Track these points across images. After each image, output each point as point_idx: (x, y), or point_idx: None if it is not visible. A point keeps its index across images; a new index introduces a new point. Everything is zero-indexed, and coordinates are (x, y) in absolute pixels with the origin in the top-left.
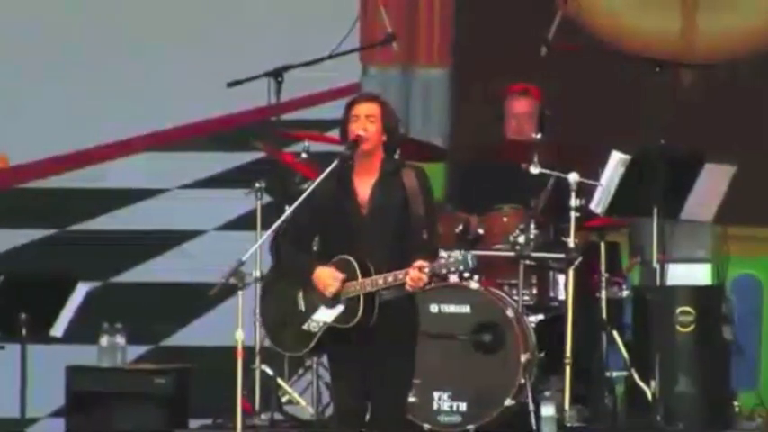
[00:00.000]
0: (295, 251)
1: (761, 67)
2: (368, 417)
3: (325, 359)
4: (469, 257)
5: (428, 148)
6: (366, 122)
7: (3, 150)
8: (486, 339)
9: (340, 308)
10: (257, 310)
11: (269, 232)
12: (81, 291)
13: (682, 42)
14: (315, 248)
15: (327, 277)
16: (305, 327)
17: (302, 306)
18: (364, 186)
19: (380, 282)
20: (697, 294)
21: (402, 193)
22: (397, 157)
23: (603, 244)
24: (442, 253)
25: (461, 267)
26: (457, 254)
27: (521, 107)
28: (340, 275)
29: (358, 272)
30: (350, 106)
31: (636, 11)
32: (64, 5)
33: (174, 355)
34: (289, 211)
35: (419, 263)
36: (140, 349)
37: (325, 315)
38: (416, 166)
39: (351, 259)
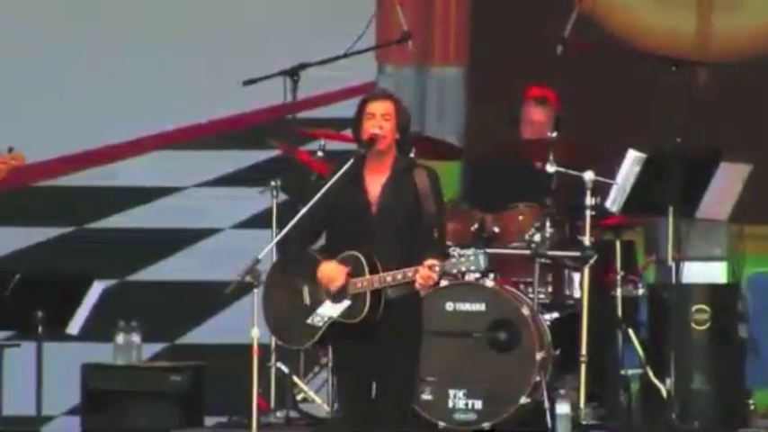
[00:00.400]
0: (301, 246)
1: None
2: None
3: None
4: (481, 258)
5: (443, 146)
6: (381, 120)
7: (18, 149)
8: (501, 337)
9: (346, 303)
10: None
11: (284, 230)
12: (97, 289)
13: (697, 41)
14: (320, 244)
15: (332, 272)
16: (309, 321)
17: (307, 300)
18: (375, 184)
19: (389, 279)
20: (712, 292)
21: (413, 191)
22: (412, 155)
23: (619, 242)
24: (454, 252)
25: (472, 267)
26: (469, 253)
27: (538, 116)
28: (345, 270)
29: (366, 268)
30: (364, 104)
31: (651, 9)
32: (79, 3)
33: (189, 353)
34: (304, 209)
35: (430, 261)
36: (156, 347)
37: (330, 310)
38: (428, 167)
39: (359, 255)
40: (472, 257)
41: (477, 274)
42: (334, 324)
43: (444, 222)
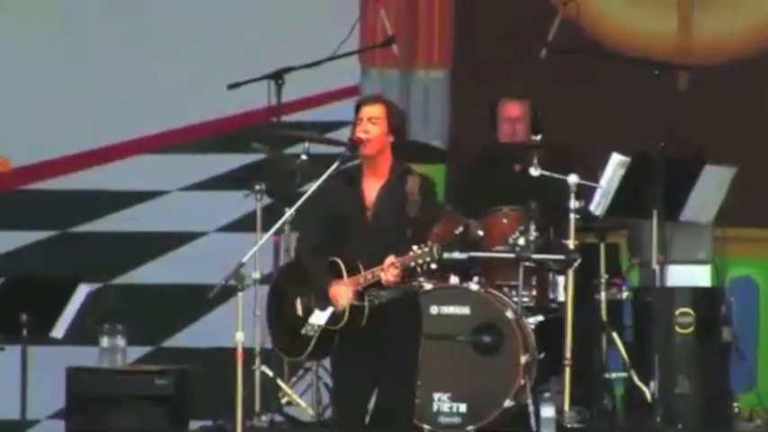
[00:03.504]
0: (316, 259)
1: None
2: (368, 419)
3: (324, 361)
4: (435, 249)
5: (428, 150)
6: (368, 124)
7: (3, 153)
8: (485, 341)
9: (330, 310)
10: (257, 312)
11: (269, 234)
12: (82, 292)
13: (678, 44)
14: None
15: (342, 291)
16: (303, 332)
17: (299, 311)
18: (371, 190)
19: (361, 280)
20: (696, 296)
21: (402, 198)
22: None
23: (603, 245)
24: (414, 247)
25: (428, 259)
26: (425, 247)
27: (512, 111)
28: (349, 292)
29: (344, 273)
30: (356, 108)
31: (632, 13)
32: (63, 8)
33: (174, 357)
34: (290, 211)
35: (389, 259)
36: (141, 350)
37: (318, 318)
38: (422, 174)
39: (338, 261)
40: (427, 249)
41: (458, 278)
42: (325, 332)
43: (424, 227)
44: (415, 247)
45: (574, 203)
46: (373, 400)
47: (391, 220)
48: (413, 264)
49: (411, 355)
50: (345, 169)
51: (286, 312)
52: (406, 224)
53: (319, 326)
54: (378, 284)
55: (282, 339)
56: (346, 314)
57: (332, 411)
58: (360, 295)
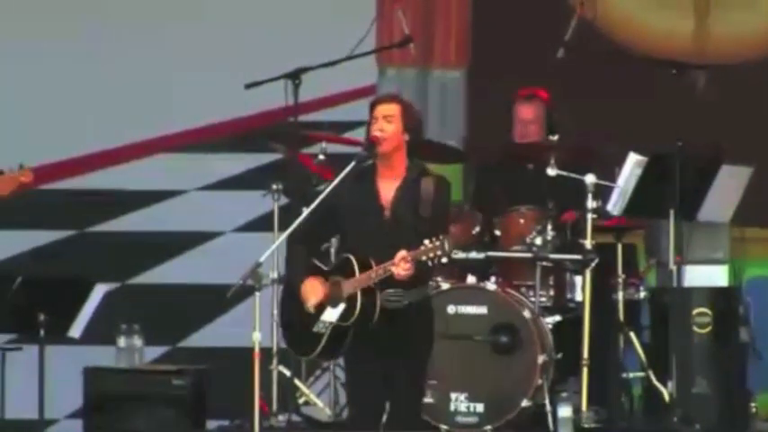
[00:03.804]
0: (299, 254)
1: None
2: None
3: (341, 361)
4: (446, 243)
5: (445, 149)
6: (383, 123)
7: (21, 152)
8: (503, 340)
9: (342, 306)
10: (275, 312)
11: (286, 234)
12: (99, 292)
13: (695, 44)
14: (332, 249)
15: (309, 291)
16: (315, 329)
17: (311, 308)
18: (388, 189)
19: (372, 275)
20: (714, 296)
21: (418, 198)
22: None
23: (620, 245)
24: (425, 242)
25: (439, 253)
26: (436, 240)
27: (525, 113)
28: (321, 290)
29: (356, 269)
30: (371, 107)
31: (650, 13)
32: (82, 7)
33: (191, 357)
34: (306, 212)
35: (401, 254)
36: (158, 350)
37: (330, 315)
38: (438, 175)
39: (350, 257)
40: (438, 243)
41: (475, 277)
42: (337, 329)
43: (437, 225)
44: (426, 242)
45: (591, 203)
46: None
47: (409, 221)
48: (424, 257)
49: (421, 357)
50: (359, 168)
51: (298, 310)
52: (418, 225)
53: (330, 323)
54: (390, 280)
55: (294, 337)
56: (357, 310)
57: (347, 411)
58: (371, 293)
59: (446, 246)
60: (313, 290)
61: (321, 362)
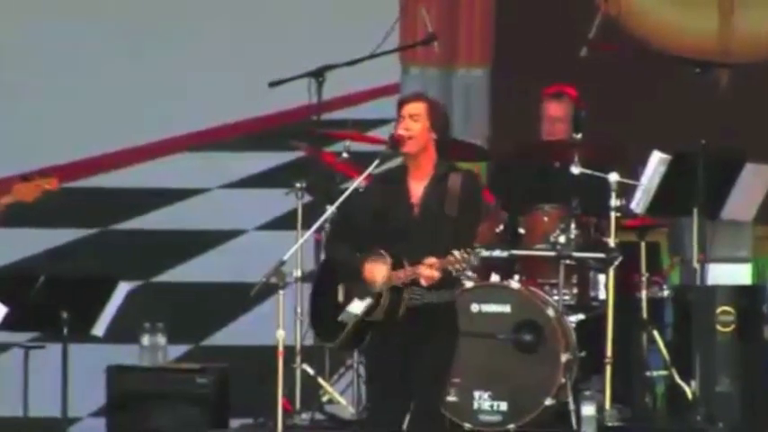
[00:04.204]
0: (345, 247)
1: None
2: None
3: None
4: (474, 257)
5: (469, 148)
6: (409, 122)
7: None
8: (526, 339)
9: (368, 301)
10: (298, 310)
11: (310, 232)
12: (122, 290)
13: (719, 42)
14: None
15: (377, 269)
16: (340, 318)
17: (341, 297)
18: (418, 188)
19: (401, 276)
20: (737, 294)
21: (445, 196)
22: None
23: (644, 244)
24: (455, 252)
25: (465, 266)
26: (465, 253)
27: (554, 111)
28: (384, 269)
29: (389, 266)
30: (398, 106)
31: (673, 11)
32: (104, 5)
33: (214, 355)
34: (330, 209)
35: (430, 260)
36: (181, 349)
37: (356, 307)
38: (467, 171)
39: (384, 253)
40: (467, 256)
41: (498, 276)
42: (363, 323)
43: (469, 224)
44: (456, 252)
45: (615, 201)
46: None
47: (438, 219)
48: (450, 267)
49: (444, 357)
50: (391, 169)
51: (330, 298)
52: (448, 223)
53: (356, 315)
54: (416, 283)
55: (321, 324)
56: (383, 307)
57: (367, 408)
58: (398, 291)
59: (473, 259)
60: (377, 269)
61: (344, 352)
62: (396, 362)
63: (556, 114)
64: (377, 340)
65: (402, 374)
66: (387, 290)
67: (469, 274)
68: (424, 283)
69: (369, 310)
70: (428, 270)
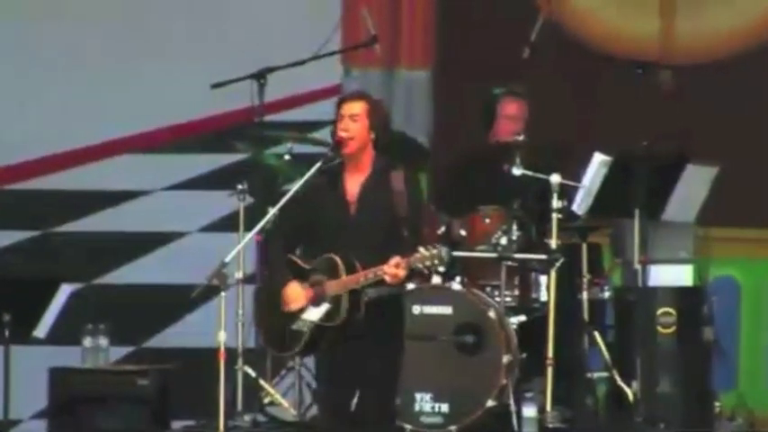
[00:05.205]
0: (281, 255)
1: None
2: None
3: (307, 360)
4: (444, 252)
5: (411, 148)
6: (349, 122)
7: None
8: (468, 340)
9: (325, 307)
10: (240, 312)
11: (251, 234)
12: (64, 292)
13: (661, 43)
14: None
15: (291, 294)
16: (294, 327)
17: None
18: (354, 184)
19: (362, 279)
20: (678, 295)
21: (388, 193)
22: None
23: (585, 245)
24: (420, 249)
25: (436, 262)
26: (433, 250)
27: (512, 109)
28: (303, 296)
29: (342, 270)
30: (337, 105)
31: (615, 12)
32: (50, 6)
33: (156, 357)
34: (273, 210)
35: (395, 259)
36: (123, 350)
37: (312, 314)
38: (406, 170)
39: (335, 258)
40: (436, 252)
41: (440, 278)
42: (319, 328)
43: (418, 221)
44: (421, 249)
45: (556, 203)
46: (355, 399)
47: (377, 216)
48: (419, 265)
49: (393, 355)
50: (327, 168)
51: (277, 307)
52: (399, 223)
53: (312, 322)
54: (378, 284)
55: (273, 334)
56: (343, 312)
57: (317, 410)
58: (356, 293)
59: (444, 254)
60: (295, 296)
61: (294, 358)
62: (346, 359)
63: (513, 113)
64: (332, 343)
65: (352, 373)
66: (346, 294)
67: (442, 269)
68: (389, 281)
69: (327, 317)
70: (394, 269)
